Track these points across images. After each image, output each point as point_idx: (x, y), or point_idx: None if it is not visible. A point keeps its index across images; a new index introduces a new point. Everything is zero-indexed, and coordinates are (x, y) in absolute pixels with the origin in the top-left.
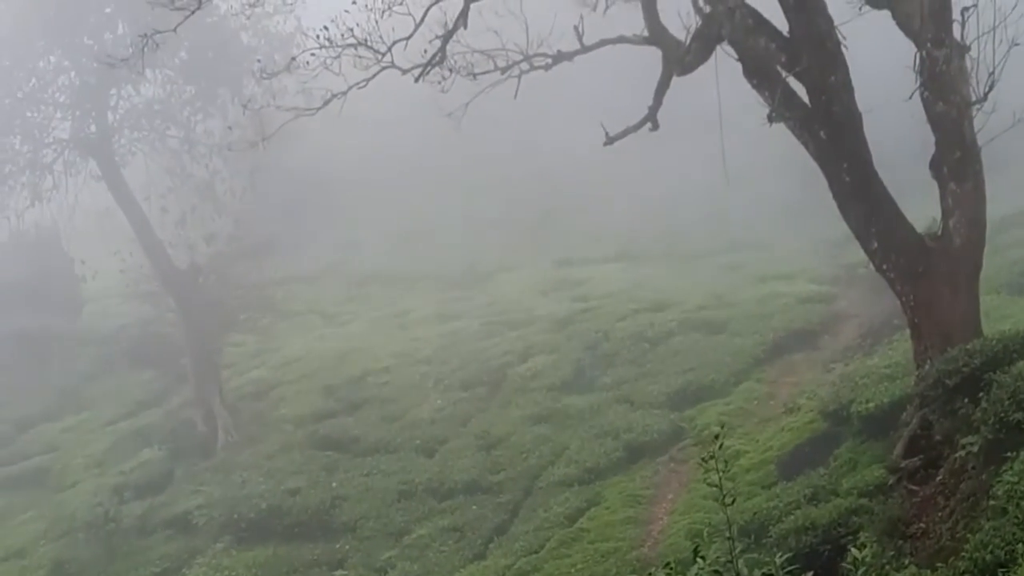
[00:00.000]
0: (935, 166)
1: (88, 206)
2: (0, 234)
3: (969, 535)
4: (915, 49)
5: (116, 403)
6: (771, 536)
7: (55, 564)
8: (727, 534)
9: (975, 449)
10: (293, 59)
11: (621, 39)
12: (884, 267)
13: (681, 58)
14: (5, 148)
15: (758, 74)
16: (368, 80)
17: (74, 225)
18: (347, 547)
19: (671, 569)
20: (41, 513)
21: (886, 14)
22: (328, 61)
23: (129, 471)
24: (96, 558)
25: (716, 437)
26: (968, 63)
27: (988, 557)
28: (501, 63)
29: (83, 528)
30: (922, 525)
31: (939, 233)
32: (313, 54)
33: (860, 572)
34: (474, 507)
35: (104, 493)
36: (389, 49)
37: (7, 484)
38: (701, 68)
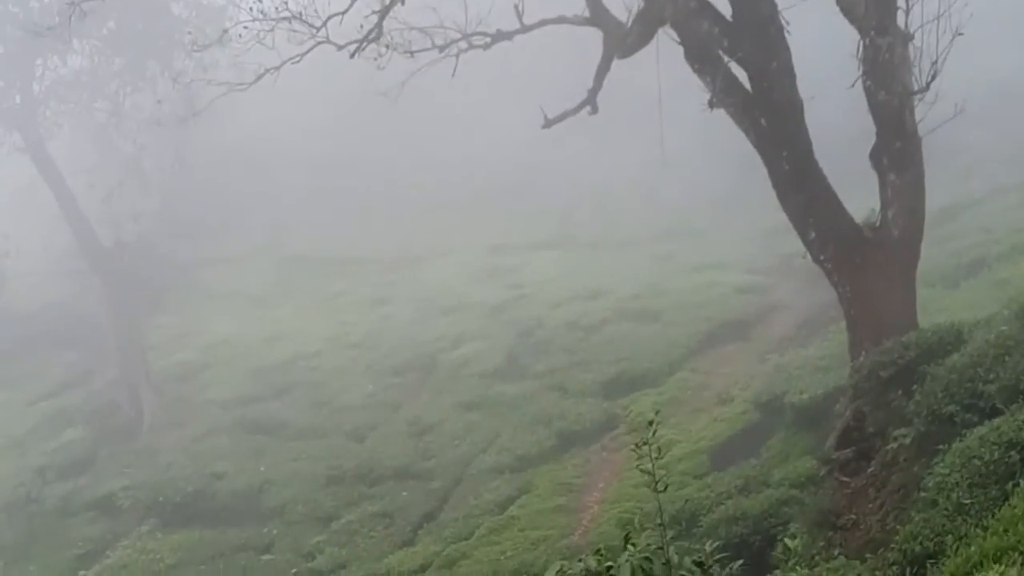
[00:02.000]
0: (875, 156)
1: (10, 180)
2: None
3: (899, 526)
4: (858, 36)
5: (38, 383)
6: (702, 525)
7: None
8: (658, 521)
9: (907, 441)
10: (225, 31)
11: (561, 19)
12: (821, 258)
13: (622, 40)
14: None
15: (700, 58)
16: (302, 55)
17: None
18: (275, 531)
19: (602, 556)
20: None
21: (830, 0)
22: (261, 34)
23: (51, 451)
24: (17, 539)
25: (650, 423)
26: (911, 52)
27: (917, 548)
28: (439, 41)
29: (3, 509)
30: (853, 516)
31: (877, 224)
32: (246, 27)
33: (791, 563)
34: (404, 493)
35: (26, 474)
36: (324, 24)
37: None
38: (642, 51)
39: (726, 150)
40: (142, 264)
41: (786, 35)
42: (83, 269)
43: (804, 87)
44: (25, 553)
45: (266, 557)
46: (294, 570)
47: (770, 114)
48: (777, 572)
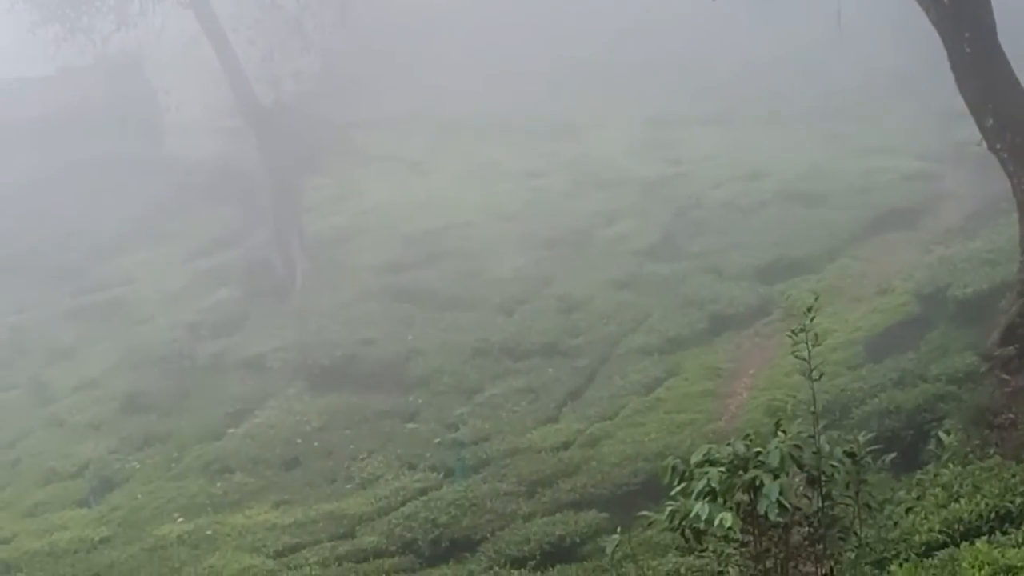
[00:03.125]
0: None
1: (174, 34)
2: (84, 58)
3: None
4: None
5: (193, 238)
6: (853, 417)
7: (128, 396)
8: (811, 409)
9: None
10: None
11: None
12: (997, 146)
13: None
14: None
15: None
16: None
17: (159, 53)
18: (419, 400)
19: (750, 441)
20: (115, 345)
21: None
22: None
23: (205, 309)
24: (169, 393)
25: (808, 310)
26: None
27: None
28: None
29: (157, 363)
30: (1011, 416)
31: None
32: None
33: (945, 458)
34: (550, 369)
35: (179, 330)
36: None
37: (82, 314)
38: None
39: (902, 27)
40: (299, 124)
41: None
42: (241, 127)
43: None
44: (177, 408)
45: (410, 425)
46: (437, 439)
47: None
48: (929, 467)
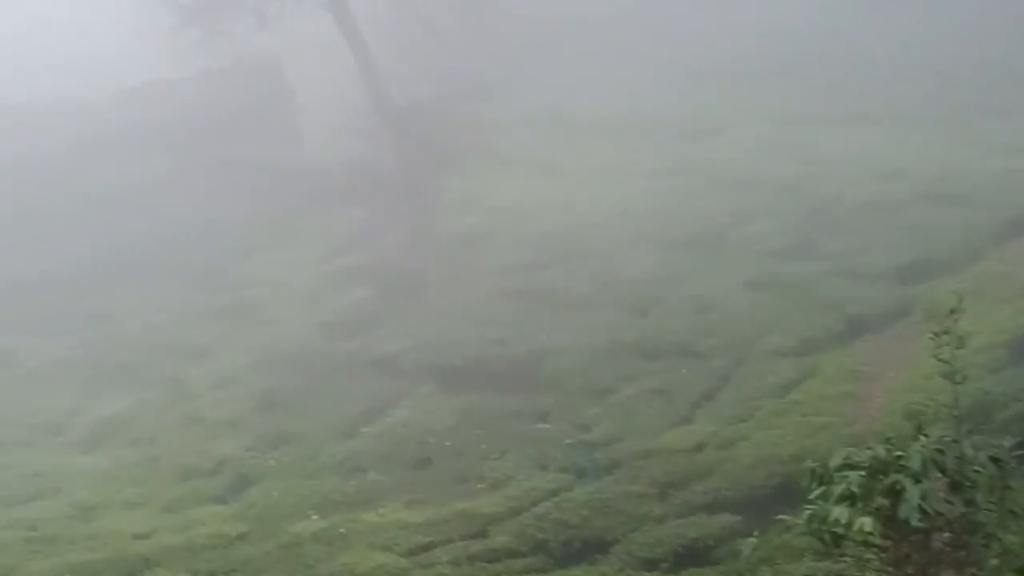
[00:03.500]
0: None
1: (312, 36)
2: (222, 60)
3: None
4: None
5: (328, 239)
6: (996, 422)
7: (264, 394)
8: (954, 412)
9: None
10: None
11: None
12: None
13: None
14: None
15: None
16: None
17: (296, 55)
18: (551, 401)
19: (891, 445)
20: (251, 344)
21: None
22: None
23: (339, 308)
24: (304, 392)
25: (951, 311)
26: None
27: None
28: None
29: (292, 362)
30: None
31: None
32: None
33: None
34: (683, 371)
35: (314, 329)
36: None
37: (218, 313)
38: None
39: None
40: (434, 124)
41: None
42: (376, 127)
43: None
44: (311, 407)
45: (542, 426)
46: (569, 440)
47: None
48: None
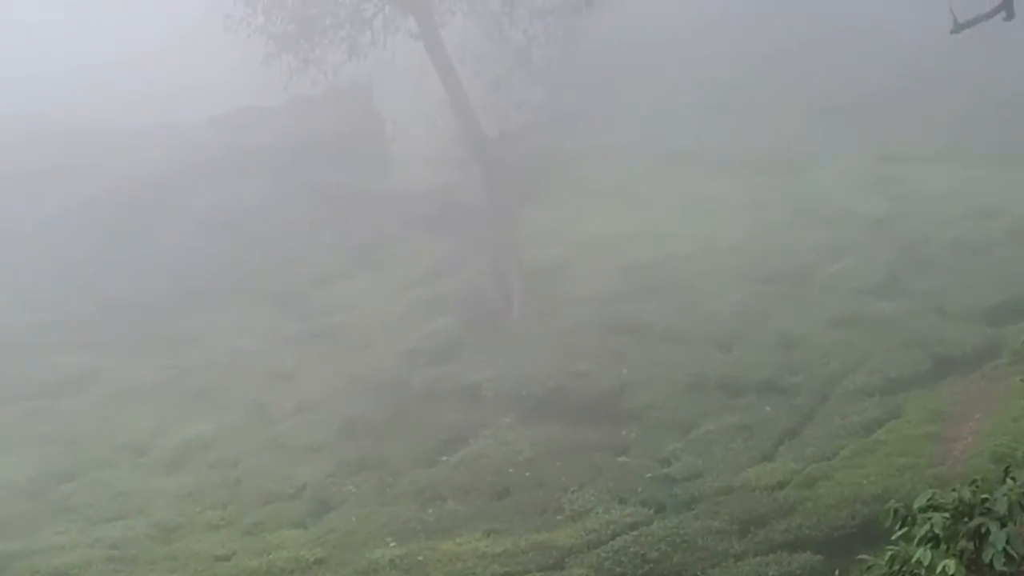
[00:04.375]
0: None
1: (402, 65)
2: (314, 88)
3: None
4: None
5: (412, 267)
6: None
7: (346, 421)
8: None
9: None
10: None
11: None
12: None
13: None
14: (328, 0)
15: None
16: None
17: (387, 84)
18: (631, 435)
19: (976, 488)
20: (334, 370)
21: None
22: None
23: (421, 337)
24: (385, 419)
25: None
26: None
27: None
28: None
29: (375, 389)
30: None
31: None
32: None
33: None
34: (767, 407)
35: (397, 357)
36: None
37: (302, 339)
38: None
39: None
40: (521, 154)
41: None
42: (464, 157)
43: None
44: (392, 434)
45: (622, 459)
46: (649, 474)
47: None
48: None
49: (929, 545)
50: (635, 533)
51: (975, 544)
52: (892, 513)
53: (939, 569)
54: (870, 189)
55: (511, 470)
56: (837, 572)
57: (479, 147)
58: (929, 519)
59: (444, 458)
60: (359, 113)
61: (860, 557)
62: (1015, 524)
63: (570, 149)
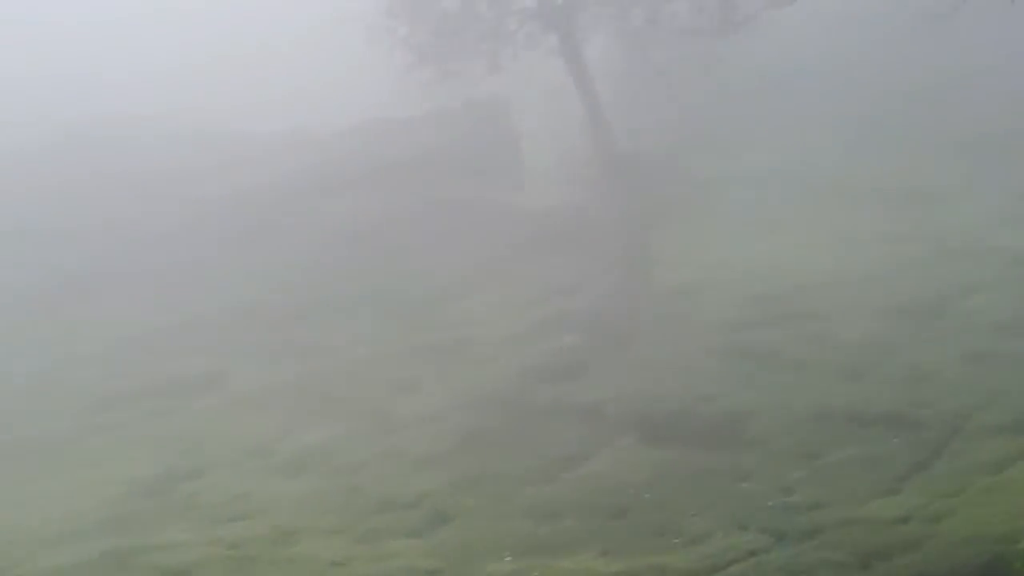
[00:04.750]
0: None
1: (541, 81)
2: (451, 101)
3: None
4: None
5: (540, 283)
6: None
7: (466, 433)
8: None
9: None
10: None
11: None
12: None
13: None
14: (471, 14)
15: None
16: None
17: (524, 99)
18: (754, 461)
19: None
20: (456, 383)
21: None
22: None
23: (545, 354)
24: (505, 433)
25: None
26: None
27: None
28: None
29: (496, 403)
30: None
31: None
32: None
33: None
34: (894, 439)
35: (519, 372)
36: None
37: (427, 351)
38: None
39: None
40: (656, 175)
41: None
42: (598, 175)
43: None
44: (512, 449)
45: (743, 485)
46: (770, 502)
47: None
48: None
49: None
50: (753, 560)
51: None
52: (1021, 555)
53: None
54: (1012, 225)
55: (630, 491)
56: None
57: (613, 166)
58: None
59: (563, 475)
60: (494, 128)
61: None
62: None
63: (705, 173)
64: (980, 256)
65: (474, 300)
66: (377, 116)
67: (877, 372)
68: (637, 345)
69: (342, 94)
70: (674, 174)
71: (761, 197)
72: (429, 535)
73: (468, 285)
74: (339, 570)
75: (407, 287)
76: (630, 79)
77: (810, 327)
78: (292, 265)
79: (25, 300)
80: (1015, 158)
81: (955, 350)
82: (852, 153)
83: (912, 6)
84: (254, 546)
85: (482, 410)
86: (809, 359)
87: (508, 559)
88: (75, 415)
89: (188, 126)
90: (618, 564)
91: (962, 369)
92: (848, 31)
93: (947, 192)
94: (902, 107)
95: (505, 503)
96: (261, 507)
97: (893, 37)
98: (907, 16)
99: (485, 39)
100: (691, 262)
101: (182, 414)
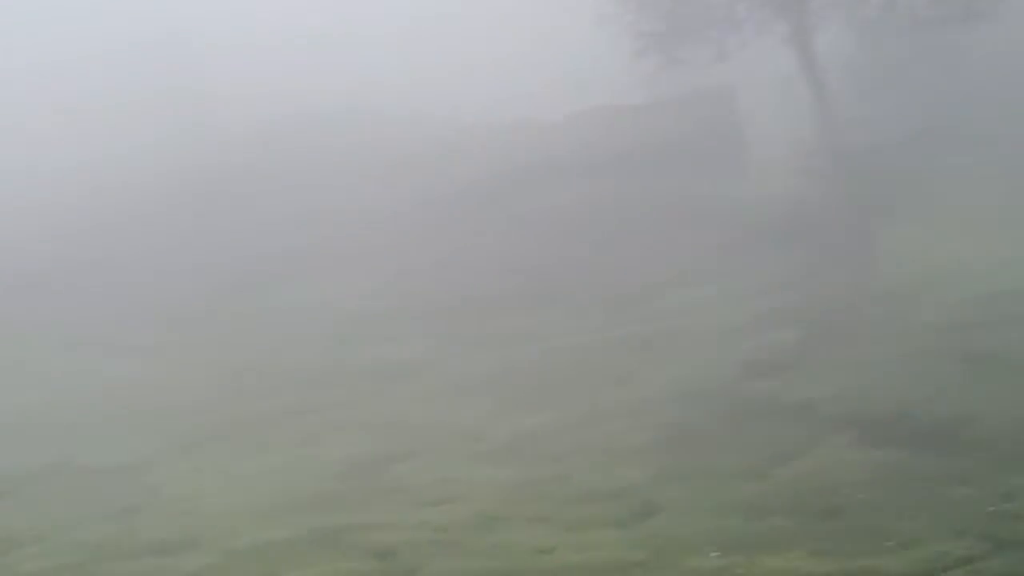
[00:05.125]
0: None
1: (768, 70)
2: (677, 89)
3: None
4: None
5: (758, 276)
6: None
7: (675, 426)
8: None
9: None
10: None
11: None
12: None
13: None
14: (701, 1)
15: None
16: None
17: (751, 88)
18: (973, 466)
19: None
20: (668, 375)
21: None
22: None
23: (760, 348)
24: (716, 428)
25: None
26: None
27: None
28: None
29: (707, 397)
30: None
31: None
32: None
33: None
34: None
35: (733, 366)
36: None
37: (638, 343)
38: None
39: None
40: (885, 169)
41: None
42: (824, 167)
43: None
44: (722, 443)
45: (962, 490)
46: (991, 508)
47: None
48: None
49: None
50: (969, 567)
51: None
52: None
53: None
54: None
55: (843, 491)
56: None
57: (841, 159)
58: None
59: (773, 472)
60: (719, 117)
61: None
62: None
63: (939, 167)
64: None
65: (688, 292)
66: (599, 104)
67: None
68: (855, 342)
69: (566, 83)
70: (905, 168)
71: (998, 193)
72: (634, 527)
73: (685, 276)
74: (544, 558)
75: (621, 277)
76: (862, 69)
77: None
78: (505, 254)
79: (245, 282)
80: None
81: None
82: None
83: None
84: (459, 530)
85: (693, 403)
86: None
87: (714, 554)
88: (290, 395)
89: (414, 116)
90: (828, 565)
91: None
92: None
93: None
94: None
95: (713, 498)
96: (467, 492)
97: None
98: None
99: (713, 26)
100: (919, 259)
101: (391, 399)
